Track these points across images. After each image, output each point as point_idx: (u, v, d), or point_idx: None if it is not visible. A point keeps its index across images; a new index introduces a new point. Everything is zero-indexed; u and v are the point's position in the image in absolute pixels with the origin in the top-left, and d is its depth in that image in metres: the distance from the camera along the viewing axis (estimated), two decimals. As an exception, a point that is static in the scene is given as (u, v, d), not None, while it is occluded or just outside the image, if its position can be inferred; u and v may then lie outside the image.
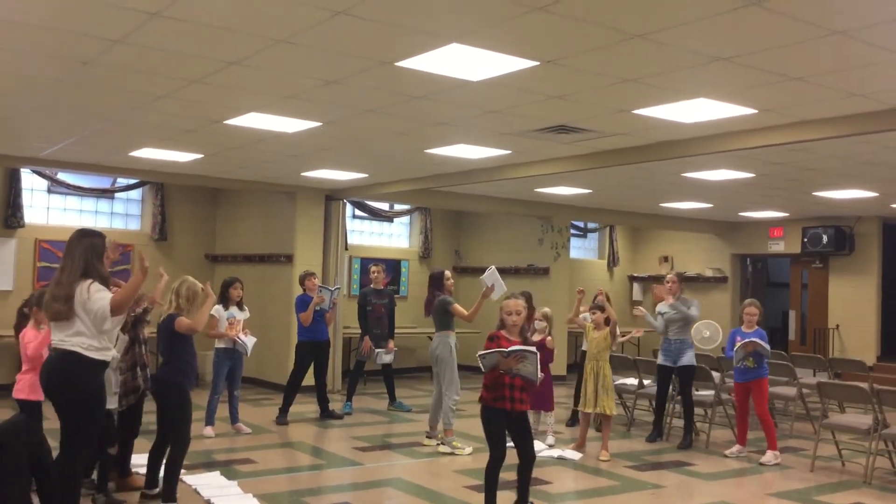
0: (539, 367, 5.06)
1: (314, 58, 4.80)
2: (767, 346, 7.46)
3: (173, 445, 5.31)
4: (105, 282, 4.66)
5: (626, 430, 8.81)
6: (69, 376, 4.55)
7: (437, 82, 5.24)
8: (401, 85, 5.37)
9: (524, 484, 5.31)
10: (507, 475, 6.60)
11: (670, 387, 8.35)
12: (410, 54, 4.66)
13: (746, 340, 7.40)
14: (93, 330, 4.53)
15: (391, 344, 9.71)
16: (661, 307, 8.30)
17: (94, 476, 5.49)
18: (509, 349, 4.99)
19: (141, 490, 5.69)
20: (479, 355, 5.02)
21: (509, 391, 5.08)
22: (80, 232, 4.77)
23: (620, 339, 8.16)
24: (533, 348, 5.09)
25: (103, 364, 4.67)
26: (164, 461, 5.33)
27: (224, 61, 4.93)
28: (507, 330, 5.24)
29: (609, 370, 7.51)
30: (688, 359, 8.08)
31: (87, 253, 4.63)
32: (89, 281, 4.55)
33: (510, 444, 5.17)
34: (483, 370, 5.06)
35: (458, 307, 7.55)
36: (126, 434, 5.84)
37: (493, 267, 7.35)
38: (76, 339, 4.52)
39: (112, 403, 5.39)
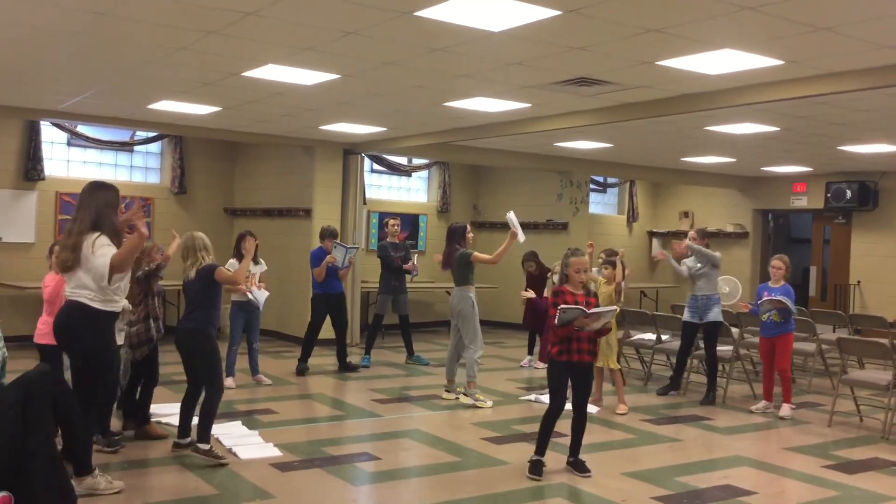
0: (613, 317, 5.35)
1: (332, 7, 4.74)
2: (792, 305, 7.41)
3: (210, 392, 5.43)
4: (117, 234, 4.71)
5: (644, 385, 8.84)
6: (76, 327, 4.65)
7: (457, 33, 5.17)
8: (420, 36, 5.30)
9: (576, 438, 5.52)
10: (525, 427, 6.66)
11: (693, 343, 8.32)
12: (430, 3, 4.58)
13: (772, 298, 7.36)
14: (94, 284, 4.59)
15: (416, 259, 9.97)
16: (687, 261, 8.22)
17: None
18: (591, 311, 5.16)
19: (164, 437, 5.87)
20: (561, 309, 5.13)
21: (576, 343, 5.28)
22: (93, 184, 4.80)
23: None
24: (614, 308, 5.34)
25: (112, 314, 4.73)
26: (201, 406, 5.44)
27: (241, 11, 4.88)
28: (571, 285, 5.37)
29: (613, 325, 7.49)
30: (715, 314, 8.01)
31: (101, 206, 4.66)
32: (97, 234, 4.60)
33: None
34: (558, 324, 5.17)
35: (479, 255, 7.56)
36: (145, 383, 5.98)
37: (512, 212, 7.35)
38: (82, 291, 4.61)
39: (119, 340, 5.43)
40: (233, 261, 7.89)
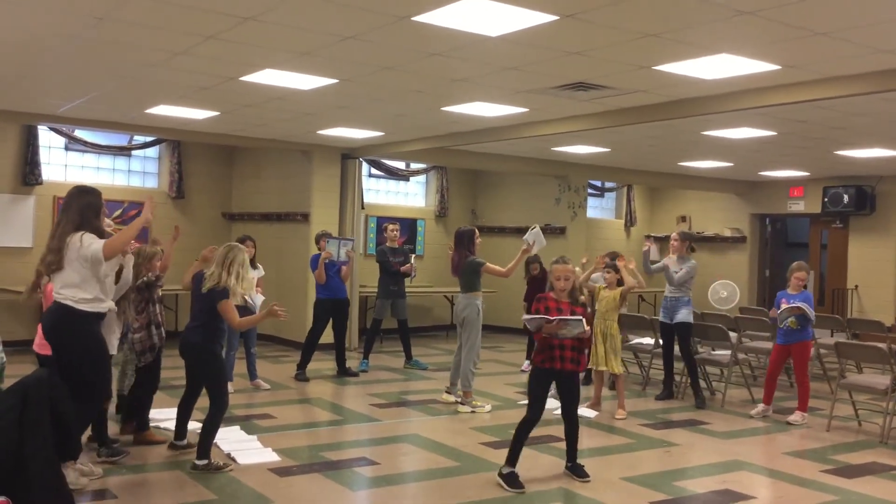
0: (584, 325, 5.17)
1: (330, 12, 4.74)
2: (812, 312, 7.38)
3: (214, 407, 5.34)
4: (101, 236, 4.77)
5: (642, 390, 8.83)
6: (61, 328, 4.69)
7: (455, 38, 5.18)
8: (418, 41, 5.31)
9: (571, 444, 5.49)
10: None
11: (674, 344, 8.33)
12: (428, 8, 4.59)
13: (792, 304, 7.33)
14: (87, 279, 4.61)
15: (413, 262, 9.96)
16: (666, 260, 8.32)
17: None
18: (554, 318, 5.11)
19: (163, 442, 5.87)
20: (525, 319, 5.19)
21: (559, 351, 5.23)
22: (77, 188, 4.91)
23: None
24: (578, 317, 5.18)
25: (97, 315, 4.74)
26: (204, 420, 5.36)
27: (239, 16, 4.88)
28: (555, 293, 5.33)
29: (617, 330, 7.50)
30: (682, 315, 8.04)
31: (84, 209, 4.74)
32: (81, 232, 4.67)
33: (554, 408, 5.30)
34: (531, 331, 5.22)
35: (491, 266, 7.51)
36: (145, 390, 5.97)
37: (537, 226, 7.37)
38: (66, 291, 4.65)
39: (112, 349, 5.35)
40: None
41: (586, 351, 5.83)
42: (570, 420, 5.44)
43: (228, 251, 5.38)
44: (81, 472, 4.86)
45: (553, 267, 5.38)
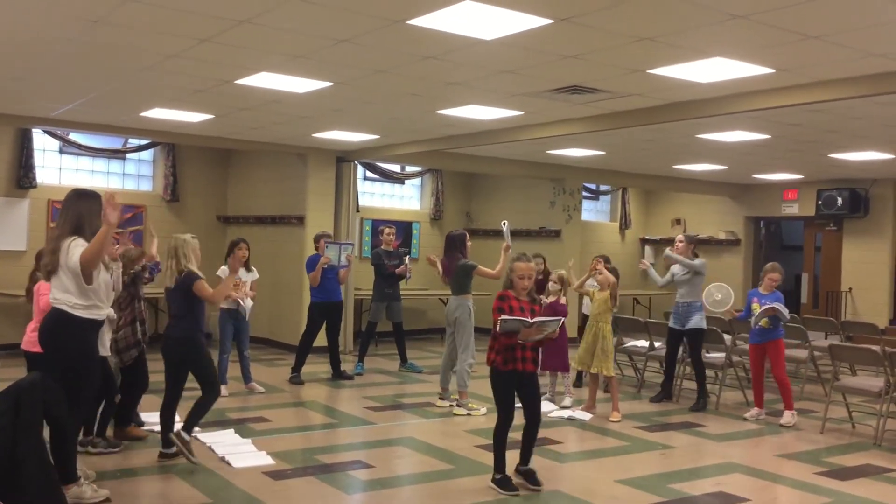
0: (559, 326, 5.11)
1: (325, 16, 4.75)
2: (786, 311, 7.46)
3: (206, 393, 5.51)
4: None
5: (637, 392, 8.85)
6: (56, 334, 4.66)
7: (450, 41, 5.18)
8: (413, 44, 5.32)
9: (527, 446, 5.34)
10: (516, 434, 6.66)
11: (680, 350, 8.36)
12: (423, 12, 4.60)
13: (767, 306, 7.38)
14: (75, 286, 4.59)
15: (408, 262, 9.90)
16: (673, 268, 8.31)
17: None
18: (533, 321, 4.98)
19: (144, 438, 5.96)
20: (502, 319, 4.96)
21: (520, 352, 5.12)
22: (75, 192, 4.84)
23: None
24: (558, 318, 5.12)
25: (93, 322, 4.71)
26: (197, 400, 5.49)
27: (235, 19, 4.88)
28: (515, 291, 5.21)
29: (609, 332, 7.51)
30: (695, 322, 8.05)
31: (84, 213, 4.70)
32: (73, 237, 4.62)
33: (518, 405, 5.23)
34: (500, 332, 5.01)
35: (483, 269, 7.52)
36: (133, 387, 6.00)
37: (506, 222, 7.40)
38: (62, 296, 4.62)
39: (103, 352, 5.34)
40: (224, 268, 7.85)
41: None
42: (534, 422, 5.26)
43: (171, 243, 5.56)
44: (85, 475, 4.84)
45: (515, 265, 5.20)
